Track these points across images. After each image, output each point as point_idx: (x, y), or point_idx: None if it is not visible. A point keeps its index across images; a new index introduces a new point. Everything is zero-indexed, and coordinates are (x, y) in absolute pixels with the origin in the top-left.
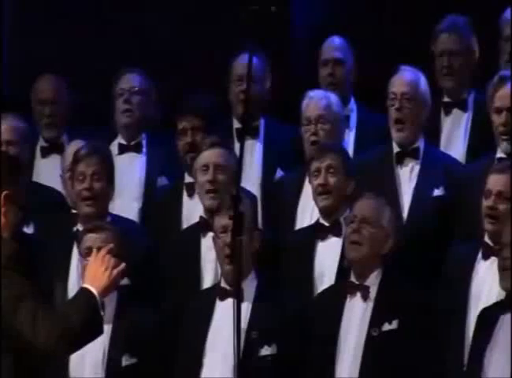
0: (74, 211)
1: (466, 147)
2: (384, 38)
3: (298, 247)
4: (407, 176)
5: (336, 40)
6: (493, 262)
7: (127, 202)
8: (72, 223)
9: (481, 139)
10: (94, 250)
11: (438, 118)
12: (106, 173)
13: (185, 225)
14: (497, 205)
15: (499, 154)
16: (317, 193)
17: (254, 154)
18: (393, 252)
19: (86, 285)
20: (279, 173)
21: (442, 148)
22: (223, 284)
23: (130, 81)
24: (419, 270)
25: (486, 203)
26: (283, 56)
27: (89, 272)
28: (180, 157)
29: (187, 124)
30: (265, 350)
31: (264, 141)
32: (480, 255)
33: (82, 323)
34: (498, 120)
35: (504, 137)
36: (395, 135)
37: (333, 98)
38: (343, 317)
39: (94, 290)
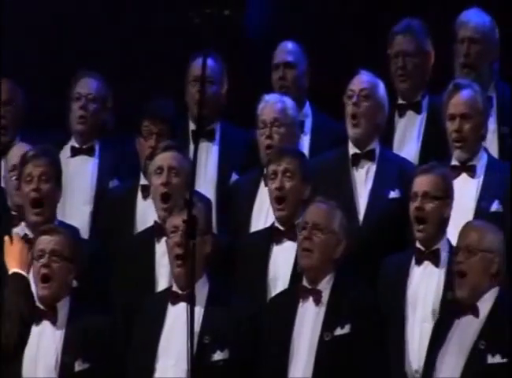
0: (14, 213)
1: (419, 149)
2: (341, 42)
3: (252, 250)
4: (363, 178)
5: (288, 44)
6: (426, 267)
7: (78, 205)
8: (10, 224)
9: (434, 142)
10: (7, 238)
11: (392, 120)
12: (54, 175)
13: (139, 226)
14: (424, 205)
15: (454, 162)
16: (274, 197)
17: (209, 157)
18: (347, 254)
19: (15, 270)
20: (234, 177)
21: (395, 149)
22: (174, 288)
23: (87, 86)
24: (375, 271)
25: (413, 205)
26: (238, 59)
27: (13, 257)
28: (139, 160)
29: (153, 128)
30: (218, 355)
31: (220, 144)
32: (413, 261)
33: (29, 309)
34: (451, 126)
35: (457, 144)
36: (351, 131)
37: (289, 102)
38: (296, 322)
39: (24, 273)
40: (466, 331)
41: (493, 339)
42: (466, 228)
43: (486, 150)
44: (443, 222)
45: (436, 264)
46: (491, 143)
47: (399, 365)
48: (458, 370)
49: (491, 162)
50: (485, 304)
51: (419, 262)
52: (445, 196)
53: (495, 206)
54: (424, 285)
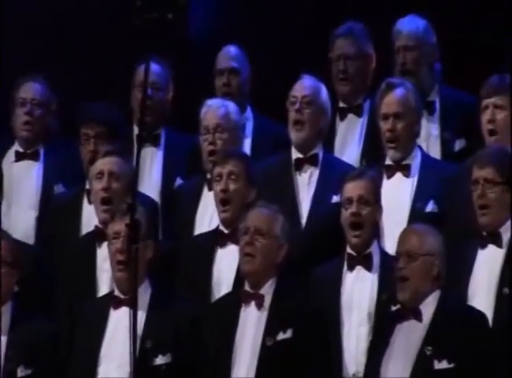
0: None
1: (360, 153)
2: (284, 45)
3: (196, 253)
4: (306, 183)
5: (232, 50)
6: (359, 272)
7: (23, 210)
8: None
9: (375, 145)
10: None
11: (333, 123)
12: None
13: (84, 231)
14: (360, 210)
15: (388, 161)
16: (218, 199)
17: (154, 162)
18: (290, 258)
19: None
20: (179, 181)
21: (336, 153)
22: (116, 293)
23: (32, 91)
24: None
25: (348, 212)
26: (181, 63)
27: None
28: (83, 165)
29: (90, 132)
30: (160, 359)
31: (164, 149)
32: (345, 267)
33: None
34: (384, 126)
35: (391, 144)
36: (294, 135)
37: (231, 106)
38: (238, 326)
39: None
40: (410, 336)
41: (439, 344)
42: (406, 233)
43: (420, 148)
44: (376, 226)
45: (369, 268)
46: (434, 149)
47: (337, 369)
48: (406, 376)
49: (425, 161)
50: (428, 307)
51: (351, 268)
52: (376, 200)
53: (430, 206)
54: (358, 290)
